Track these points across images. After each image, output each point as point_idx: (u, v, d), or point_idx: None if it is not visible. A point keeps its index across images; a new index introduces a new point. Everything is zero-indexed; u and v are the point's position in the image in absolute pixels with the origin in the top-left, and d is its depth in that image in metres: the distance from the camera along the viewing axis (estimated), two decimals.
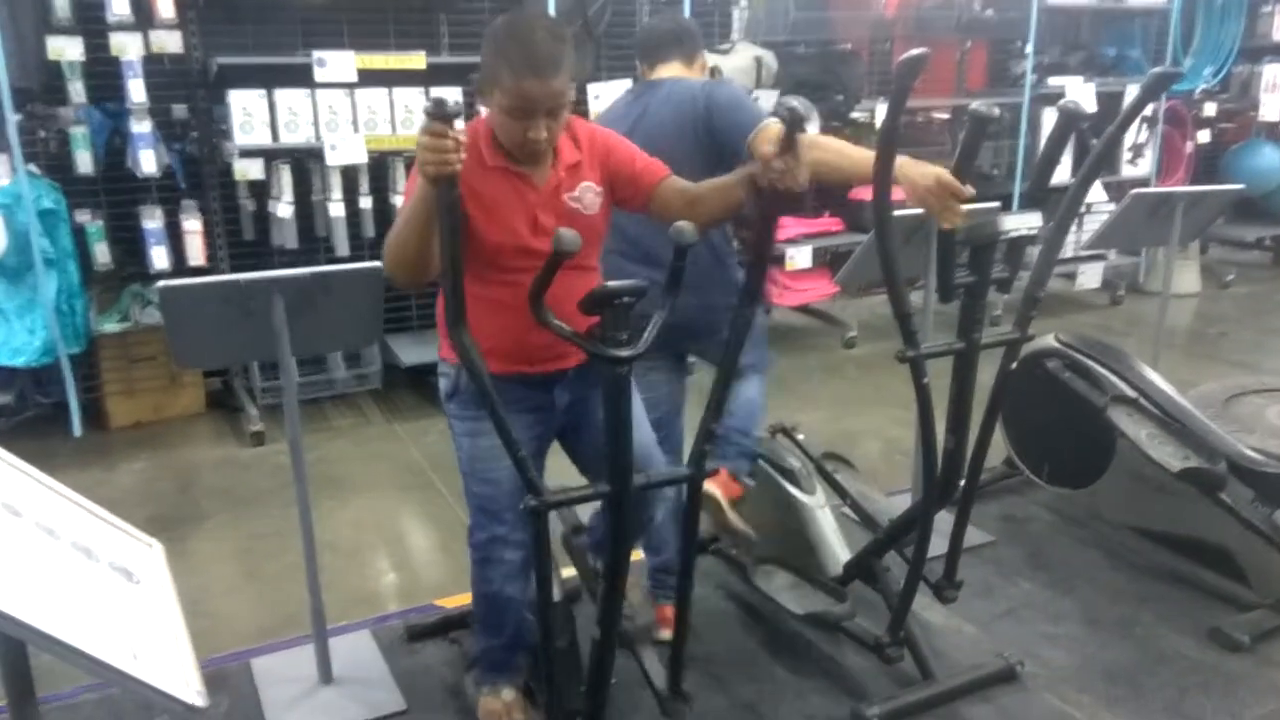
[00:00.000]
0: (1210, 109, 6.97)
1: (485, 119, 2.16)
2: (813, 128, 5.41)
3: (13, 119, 3.94)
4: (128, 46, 4.09)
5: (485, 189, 2.11)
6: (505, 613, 2.44)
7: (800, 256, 5.49)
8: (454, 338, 1.90)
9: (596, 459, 2.33)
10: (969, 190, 2.21)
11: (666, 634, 2.50)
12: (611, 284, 1.78)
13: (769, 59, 5.34)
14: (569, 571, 2.92)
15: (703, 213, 2.11)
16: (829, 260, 5.80)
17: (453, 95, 4.51)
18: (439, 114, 1.76)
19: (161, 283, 2.37)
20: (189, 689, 1.62)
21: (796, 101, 1.80)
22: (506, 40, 2.03)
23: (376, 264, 2.45)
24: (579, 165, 2.21)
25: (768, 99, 5.21)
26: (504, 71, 2.01)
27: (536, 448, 2.30)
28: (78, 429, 4.42)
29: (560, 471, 2.37)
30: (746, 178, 2.02)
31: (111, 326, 4.42)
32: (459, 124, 1.80)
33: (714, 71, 5.12)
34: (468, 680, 2.63)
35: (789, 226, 5.65)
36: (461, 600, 2.89)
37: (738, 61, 5.28)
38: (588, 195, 2.22)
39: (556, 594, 2.35)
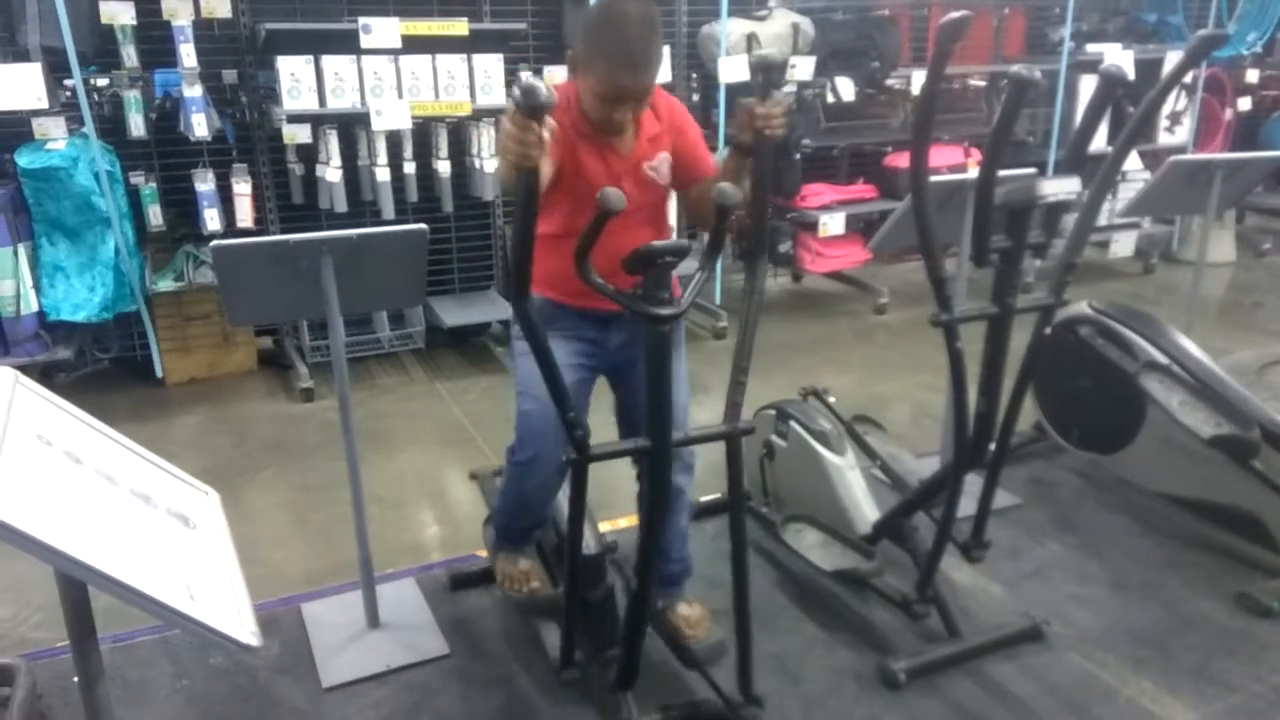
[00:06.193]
0: (1253, 76, 6.84)
1: (575, 85, 2.23)
2: (847, 90, 5.41)
3: (81, 82, 4.05)
4: (179, 11, 4.15)
5: (578, 153, 2.22)
6: (530, 508, 2.58)
7: (833, 223, 5.50)
8: (516, 310, 1.95)
9: (632, 409, 2.45)
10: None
11: (691, 633, 2.57)
12: (655, 243, 1.82)
13: (806, 25, 5.32)
14: (605, 526, 3.00)
15: (710, 196, 2.12)
16: (861, 227, 5.80)
17: (495, 61, 4.57)
18: (529, 107, 1.65)
19: (215, 242, 2.44)
20: (243, 629, 1.65)
21: (771, 50, 1.85)
22: (603, 32, 2.11)
23: (421, 226, 2.54)
24: (659, 136, 2.32)
25: (805, 65, 5.22)
26: (598, 62, 2.11)
27: (578, 378, 2.37)
28: (159, 370, 4.62)
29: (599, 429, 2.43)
30: (732, 142, 2.13)
31: (167, 285, 4.52)
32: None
33: (751, 39, 5.13)
34: (486, 532, 2.77)
35: (824, 193, 5.67)
36: None
37: (775, 28, 5.25)
38: (664, 166, 2.33)
39: (593, 547, 2.41)
